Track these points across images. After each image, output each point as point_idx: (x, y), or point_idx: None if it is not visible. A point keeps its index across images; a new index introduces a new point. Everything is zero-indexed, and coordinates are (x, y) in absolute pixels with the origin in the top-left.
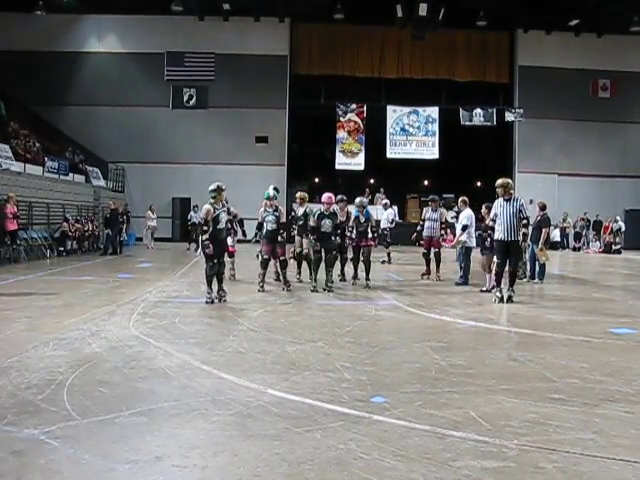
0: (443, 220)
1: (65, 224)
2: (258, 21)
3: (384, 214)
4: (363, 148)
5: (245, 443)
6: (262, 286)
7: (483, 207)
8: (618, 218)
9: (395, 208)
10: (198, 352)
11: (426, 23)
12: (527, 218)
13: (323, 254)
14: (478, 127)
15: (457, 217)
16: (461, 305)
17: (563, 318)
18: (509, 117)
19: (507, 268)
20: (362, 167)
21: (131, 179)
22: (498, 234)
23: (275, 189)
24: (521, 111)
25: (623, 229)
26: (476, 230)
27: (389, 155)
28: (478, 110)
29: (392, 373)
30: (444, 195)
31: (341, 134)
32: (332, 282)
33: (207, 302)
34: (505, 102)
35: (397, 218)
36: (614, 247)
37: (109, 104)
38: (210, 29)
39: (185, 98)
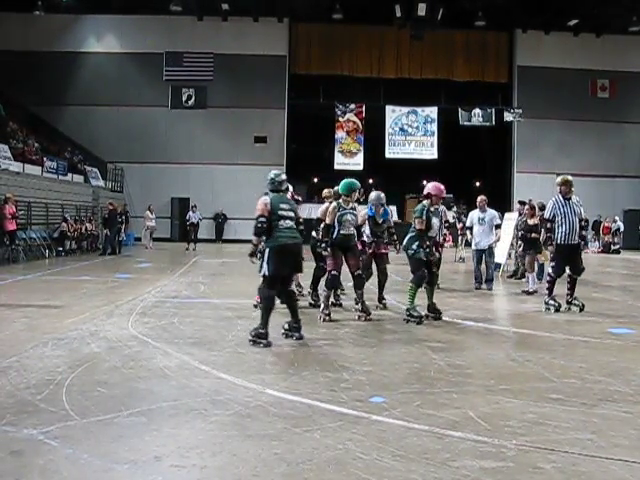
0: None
1: (64, 224)
2: (257, 21)
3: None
4: (362, 148)
5: (244, 443)
6: (329, 314)
7: (521, 205)
8: (617, 218)
9: (393, 208)
10: (197, 352)
11: (425, 23)
12: (587, 220)
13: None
14: (477, 127)
15: (458, 218)
16: (460, 305)
17: (562, 318)
18: (508, 117)
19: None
20: (361, 167)
21: (130, 179)
22: (560, 237)
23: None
24: (520, 111)
25: (622, 229)
26: (519, 230)
27: (388, 155)
28: (477, 110)
29: (391, 373)
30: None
31: (340, 134)
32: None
33: (262, 342)
34: (504, 102)
35: (395, 217)
36: (613, 247)
37: (108, 104)
38: (209, 29)
39: (184, 98)
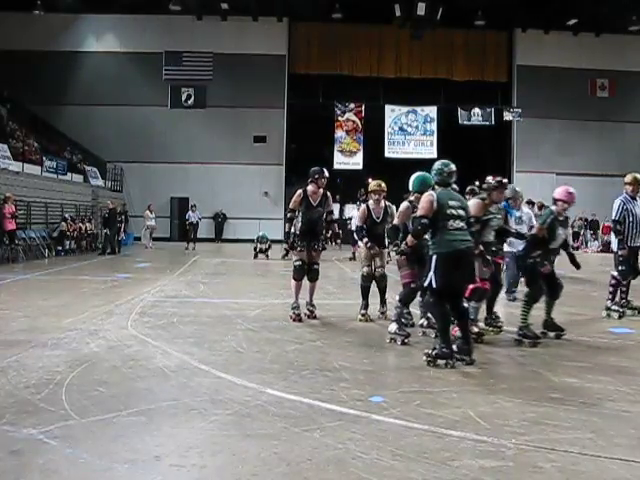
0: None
1: (63, 224)
2: (256, 20)
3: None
4: (361, 147)
5: (243, 443)
6: (407, 335)
7: (530, 205)
8: None
9: (394, 207)
10: (196, 352)
11: (424, 22)
12: None
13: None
14: (476, 127)
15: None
16: None
17: (562, 317)
18: (507, 117)
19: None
20: (360, 166)
21: (129, 179)
22: (630, 238)
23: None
24: (519, 111)
25: None
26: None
27: (387, 154)
28: (476, 110)
29: (390, 372)
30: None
31: (339, 133)
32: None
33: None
34: (503, 102)
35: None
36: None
37: (107, 104)
38: (208, 28)
39: (183, 98)
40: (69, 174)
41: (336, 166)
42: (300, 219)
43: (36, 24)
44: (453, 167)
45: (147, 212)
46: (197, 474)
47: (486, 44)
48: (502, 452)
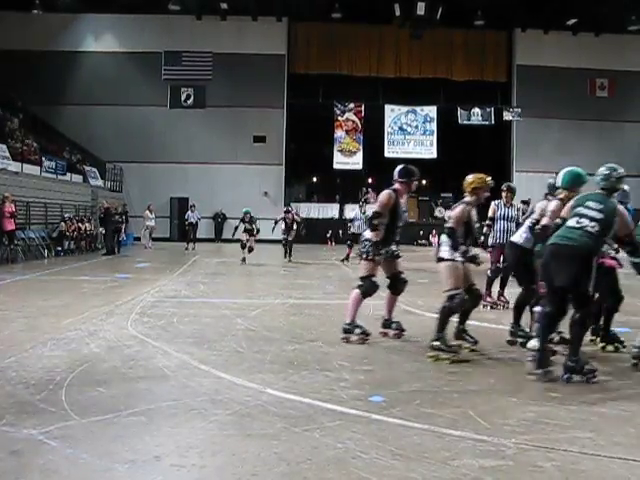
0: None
1: (63, 224)
2: (256, 20)
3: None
4: (361, 147)
5: (243, 442)
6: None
7: (524, 205)
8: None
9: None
10: (196, 352)
11: (424, 22)
12: None
13: None
14: (476, 126)
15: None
16: None
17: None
18: (507, 116)
19: None
20: (360, 166)
21: (129, 179)
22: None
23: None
24: (519, 110)
25: None
26: None
27: (387, 154)
28: (476, 109)
29: (390, 372)
30: (442, 195)
31: (339, 133)
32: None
33: None
34: (503, 101)
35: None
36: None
37: (106, 103)
38: (208, 28)
39: (183, 97)
40: (68, 174)
41: (336, 166)
42: (382, 224)
43: (35, 24)
44: (622, 171)
45: (147, 212)
46: (197, 474)
47: (486, 44)
48: (502, 451)
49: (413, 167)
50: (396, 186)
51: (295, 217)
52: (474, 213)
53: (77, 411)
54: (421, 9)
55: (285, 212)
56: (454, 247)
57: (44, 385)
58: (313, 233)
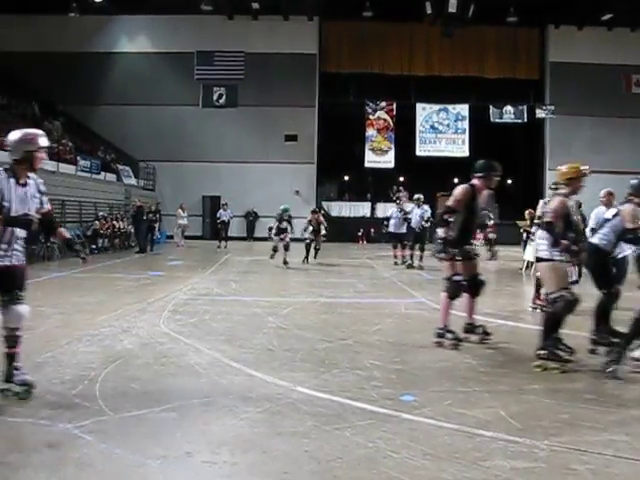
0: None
1: (97, 222)
2: (287, 20)
3: (416, 211)
4: (393, 146)
5: (274, 440)
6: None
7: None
8: None
9: (427, 207)
10: (228, 349)
11: (456, 20)
12: None
13: None
14: (508, 124)
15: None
16: (492, 305)
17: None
18: (540, 114)
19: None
20: (392, 165)
21: (162, 177)
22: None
23: None
24: (552, 108)
25: None
26: None
27: (419, 153)
28: (508, 107)
29: (421, 372)
30: None
31: (370, 132)
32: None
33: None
34: (536, 99)
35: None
36: None
37: (140, 103)
38: (239, 28)
39: (215, 97)
40: (103, 173)
41: (367, 165)
42: (457, 221)
43: (71, 26)
44: None
45: (179, 211)
46: (228, 471)
47: (518, 41)
48: (534, 453)
49: (494, 162)
50: (474, 181)
51: (320, 220)
52: (572, 205)
53: (111, 406)
54: (452, 6)
55: (312, 212)
56: (554, 243)
57: (79, 380)
58: (344, 231)
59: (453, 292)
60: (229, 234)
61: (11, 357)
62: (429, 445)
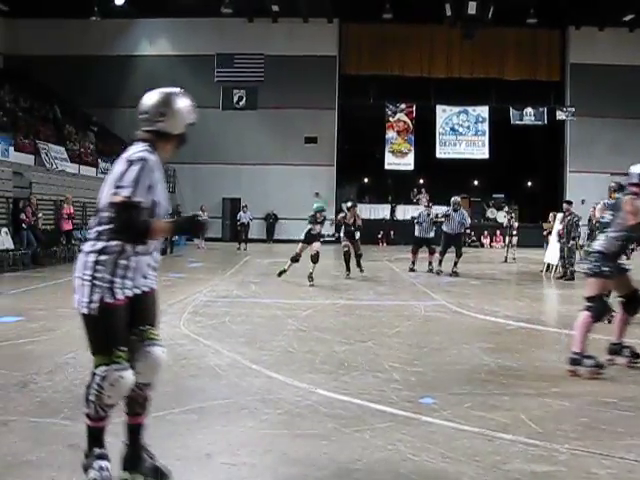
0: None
1: None
2: (307, 22)
3: (454, 215)
4: (412, 148)
5: (294, 442)
6: None
7: (568, 205)
8: None
9: (443, 209)
10: (248, 351)
11: (475, 21)
12: None
13: None
14: (529, 126)
15: (509, 218)
16: (512, 306)
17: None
18: (560, 116)
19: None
20: (412, 167)
21: (181, 180)
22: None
23: None
24: (573, 109)
25: None
26: None
27: (439, 155)
28: (529, 109)
29: (441, 374)
30: (494, 195)
31: (390, 134)
32: None
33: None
34: (556, 101)
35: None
36: None
37: None
38: (259, 30)
39: (235, 99)
40: None
41: (387, 167)
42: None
43: (92, 29)
44: None
45: (199, 212)
46: (247, 473)
47: (538, 42)
48: (555, 457)
49: None
50: (634, 189)
51: (358, 217)
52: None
53: None
54: (472, 8)
55: (349, 208)
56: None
57: None
58: (364, 233)
59: (600, 314)
60: (249, 236)
61: (136, 430)
62: (448, 448)
